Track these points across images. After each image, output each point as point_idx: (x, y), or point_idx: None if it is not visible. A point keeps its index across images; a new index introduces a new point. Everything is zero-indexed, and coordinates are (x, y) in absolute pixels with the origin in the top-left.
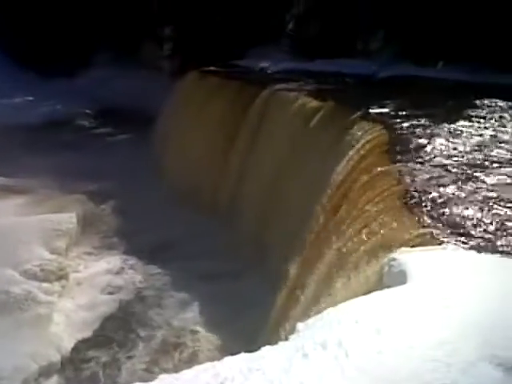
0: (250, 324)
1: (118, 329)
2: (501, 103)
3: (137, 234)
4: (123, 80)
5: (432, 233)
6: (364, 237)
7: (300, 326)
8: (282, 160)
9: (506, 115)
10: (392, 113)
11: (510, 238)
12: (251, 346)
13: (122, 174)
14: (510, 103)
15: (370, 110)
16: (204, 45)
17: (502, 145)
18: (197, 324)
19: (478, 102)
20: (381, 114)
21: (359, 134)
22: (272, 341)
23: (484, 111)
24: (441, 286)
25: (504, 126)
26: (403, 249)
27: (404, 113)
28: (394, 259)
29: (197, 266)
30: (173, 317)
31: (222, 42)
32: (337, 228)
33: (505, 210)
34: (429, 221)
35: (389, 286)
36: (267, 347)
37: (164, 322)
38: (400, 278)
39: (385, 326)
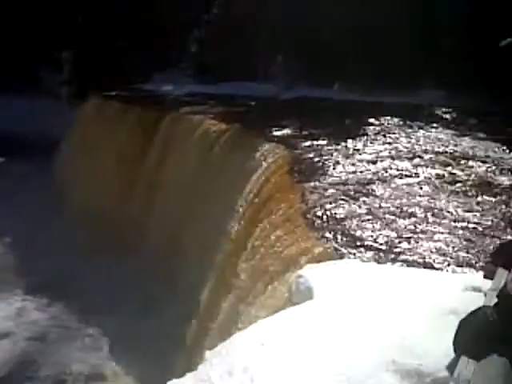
0: (162, 358)
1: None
2: (392, 121)
3: (34, 270)
4: (21, 106)
5: (335, 247)
6: (271, 257)
7: (208, 354)
8: (190, 185)
9: (397, 131)
10: (294, 133)
11: (406, 247)
12: (164, 381)
13: (21, 207)
14: (401, 120)
15: (274, 132)
16: (105, 69)
17: (396, 160)
18: (106, 362)
19: (372, 120)
20: (283, 135)
21: (264, 155)
22: (184, 371)
23: (378, 128)
24: (343, 299)
25: (396, 142)
26: (309, 265)
27: (305, 133)
28: (300, 276)
29: (103, 300)
30: (80, 356)
31: (123, 66)
32: (245, 250)
33: (400, 221)
34: (331, 236)
35: (297, 303)
36: (174, 381)
37: (71, 360)
38: (307, 294)
39: (289, 346)
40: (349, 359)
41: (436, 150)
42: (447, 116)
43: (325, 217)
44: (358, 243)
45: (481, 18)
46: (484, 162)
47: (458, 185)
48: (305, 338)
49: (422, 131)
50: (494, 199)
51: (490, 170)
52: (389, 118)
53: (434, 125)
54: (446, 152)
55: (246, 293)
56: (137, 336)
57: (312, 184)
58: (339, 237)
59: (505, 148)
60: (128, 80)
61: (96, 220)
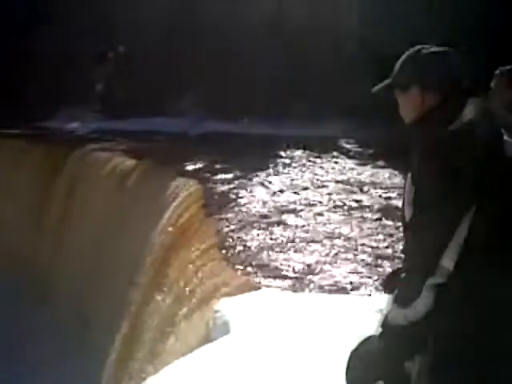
0: None
1: None
2: (300, 152)
3: None
4: None
5: (252, 279)
6: (188, 294)
7: None
8: (101, 224)
9: (305, 162)
10: (206, 167)
11: (320, 274)
12: None
13: None
14: (308, 152)
15: (185, 167)
16: (4, 106)
17: (305, 190)
18: None
19: (281, 152)
20: (195, 169)
21: (176, 190)
22: None
23: (287, 160)
24: (260, 331)
25: (304, 173)
26: (226, 299)
27: (217, 166)
28: (217, 311)
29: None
30: None
31: (24, 102)
32: (161, 288)
33: (313, 248)
34: (248, 267)
35: (214, 340)
36: None
37: None
38: (224, 329)
39: None
40: None
41: (341, 179)
42: (349, 146)
43: (240, 248)
44: (275, 273)
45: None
46: (385, 188)
47: (364, 211)
48: (220, 376)
49: (327, 162)
50: (397, 224)
51: (391, 195)
52: (296, 149)
53: (339, 155)
54: (350, 180)
55: (162, 331)
56: None
57: (226, 216)
58: (256, 268)
59: (403, 174)
60: (30, 117)
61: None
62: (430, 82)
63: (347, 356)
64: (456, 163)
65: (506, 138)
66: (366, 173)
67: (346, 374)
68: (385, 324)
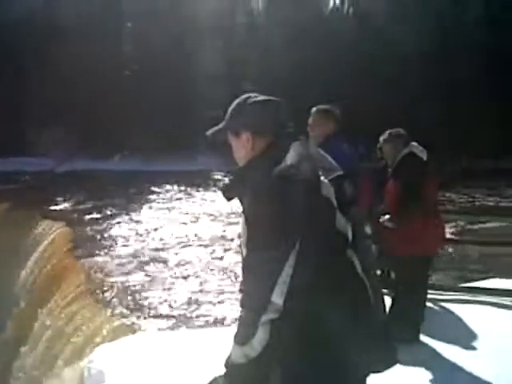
0: None
1: None
2: (174, 187)
3: None
4: None
5: (127, 322)
6: (60, 342)
7: None
8: None
9: (179, 196)
10: (74, 207)
11: (200, 310)
12: None
13: None
14: (182, 186)
15: (52, 207)
16: None
17: (180, 224)
18: None
19: (155, 188)
20: (62, 210)
21: (42, 234)
22: None
23: (161, 195)
24: (135, 376)
25: (179, 207)
26: (101, 346)
27: (87, 206)
28: (91, 361)
29: None
30: None
31: None
32: (31, 337)
33: (192, 284)
34: (123, 311)
35: None
36: None
37: None
38: (99, 378)
39: None
40: None
41: (213, 211)
42: (221, 178)
43: (115, 291)
44: (153, 313)
45: None
46: None
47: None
48: None
49: (200, 195)
50: None
51: None
52: (170, 185)
53: (211, 188)
54: (223, 213)
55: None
56: None
57: (98, 259)
58: (131, 309)
59: None
60: None
61: None
62: (259, 128)
63: None
64: (280, 205)
65: (322, 179)
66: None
67: None
68: (227, 363)
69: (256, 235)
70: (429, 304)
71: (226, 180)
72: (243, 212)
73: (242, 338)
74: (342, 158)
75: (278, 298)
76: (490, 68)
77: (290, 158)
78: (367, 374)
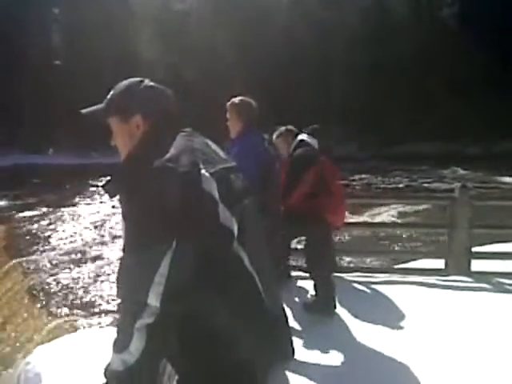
0: None
1: None
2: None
3: None
4: None
5: (68, 320)
6: None
7: None
8: None
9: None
10: (9, 204)
11: None
12: None
13: None
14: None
15: None
16: None
17: (116, 220)
18: None
19: (92, 181)
20: None
21: None
22: None
23: (96, 189)
24: (74, 377)
25: (112, 202)
26: (39, 347)
27: (22, 202)
28: (28, 363)
29: None
30: None
31: None
32: None
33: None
34: (64, 308)
35: None
36: None
37: None
38: (36, 380)
39: None
40: None
41: None
42: None
43: (53, 289)
44: (95, 310)
45: None
46: None
47: None
48: None
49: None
50: None
51: None
52: (107, 178)
53: None
54: None
55: None
56: None
57: (37, 256)
58: (71, 308)
59: None
60: None
61: None
62: (151, 114)
63: None
64: (155, 201)
65: (203, 172)
66: None
67: None
68: (107, 372)
69: (131, 234)
70: (361, 287)
71: (109, 176)
72: (121, 210)
73: (119, 346)
74: (256, 151)
75: (153, 301)
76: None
77: (171, 150)
78: (265, 371)
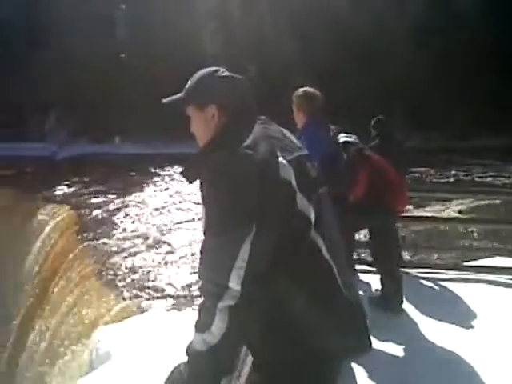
0: None
1: None
2: (174, 170)
3: None
4: None
5: (135, 303)
6: (69, 325)
7: None
8: None
9: (179, 179)
10: (78, 191)
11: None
12: None
13: None
14: (178, 169)
15: (56, 192)
16: None
17: (183, 207)
18: None
19: (156, 170)
20: (67, 194)
21: (47, 217)
22: None
23: (162, 178)
24: (141, 355)
25: (180, 190)
26: (108, 326)
27: (91, 189)
28: (98, 341)
29: None
30: None
31: None
32: (40, 322)
33: (196, 265)
34: (130, 292)
35: (96, 368)
36: None
37: None
38: (105, 357)
39: None
40: None
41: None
42: None
43: (121, 272)
44: (159, 294)
45: None
46: None
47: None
48: None
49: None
50: None
51: None
52: (170, 167)
53: None
54: None
55: (44, 364)
56: None
57: (104, 241)
58: (139, 291)
59: None
60: None
61: None
62: (227, 103)
63: None
64: (235, 187)
65: (281, 159)
66: None
67: None
68: (188, 350)
69: (212, 219)
70: (429, 283)
71: (188, 161)
72: (201, 194)
73: (201, 325)
74: (319, 144)
75: (234, 284)
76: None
77: (249, 138)
78: (341, 360)
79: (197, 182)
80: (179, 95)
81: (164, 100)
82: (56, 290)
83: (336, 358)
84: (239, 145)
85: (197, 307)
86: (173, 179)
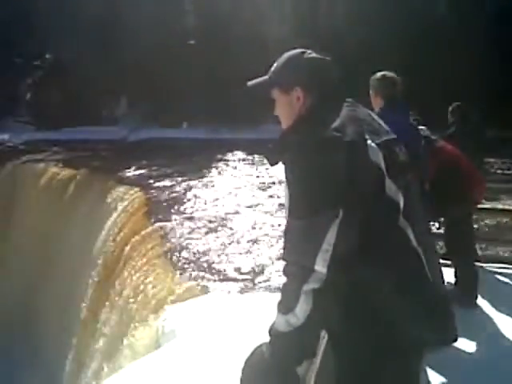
0: None
1: None
2: (238, 155)
3: None
4: None
5: (199, 284)
6: (136, 303)
7: None
8: (44, 235)
9: (244, 165)
10: (147, 174)
11: (267, 275)
12: None
13: None
14: (246, 154)
15: (126, 174)
16: None
17: (247, 192)
18: None
19: (220, 155)
20: (136, 176)
21: (117, 198)
22: None
23: (227, 163)
24: (206, 335)
25: (245, 175)
26: (174, 306)
27: (158, 172)
28: (165, 319)
29: None
30: None
31: None
32: (108, 297)
33: (259, 249)
34: (195, 272)
35: (162, 346)
36: None
37: None
38: (171, 336)
39: None
40: None
41: (281, 180)
42: None
43: (187, 254)
44: (222, 276)
45: None
46: None
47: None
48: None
49: (266, 164)
50: None
51: None
52: (237, 153)
53: None
54: None
55: (113, 342)
56: None
57: (171, 223)
58: (203, 273)
59: None
60: None
61: None
62: (313, 85)
63: (242, 365)
64: (323, 170)
65: (369, 142)
66: None
67: (241, 383)
68: (271, 331)
69: (298, 201)
70: (506, 279)
71: (271, 144)
72: (286, 177)
73: (284, 307)
74: (398, 127)
75: (320, 267)
76: None
77: (338, 119)
78: (424, 350)
79: (268, 166)
80: (264, 78)
81: (249, 83)
82: (123, 271)
83: (421, 348)
84: (325, 127)
85: (260, 291)
86: (237, 164)
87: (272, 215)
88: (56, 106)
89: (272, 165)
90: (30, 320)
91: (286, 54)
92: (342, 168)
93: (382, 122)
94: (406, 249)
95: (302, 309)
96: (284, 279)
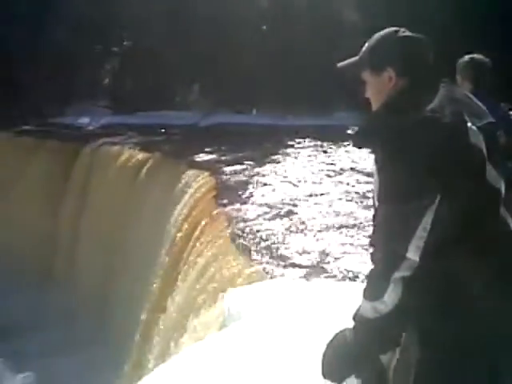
0: None
1: None
2: (309, 142)
3: None
4: None
5: (264, 268)
6: (203, 284)
7: None
8: (117, 215)
9: (314, 152)
10: (216, 159)
11: (333, 262)
12: None
13: None
14: (317, 142)
15: (196, 158)
16: (14, 104)
17: (316, 179)
18: None
19: (291, 142)
20: (206, 160)
21: (188, 182)
22: None
23: (297, 150)
24: (270, 318)
25: (314, 162)
26: (240, 288)
27: (227, 158)
28: (231, 301)
29: (31, 345)
30: None
31: (34, 100)
32: (177, 278)
33: (326, 237)
34: (261, 257)
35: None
36: None
37: None
38: (237, 317)
39: (211, 375)
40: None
41: (352, 167)
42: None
43: (253, 239)
44: (288, 262)
45: None
46: None
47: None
48: (230, 364)
49: (336, 150)
50: None
51: None
52: (306, 139)
53: (347, 144)
54: (362, 169)
55: (179, 321)
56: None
57: (238, 207)
58: (268, 257)
59: None
60: (40, 114)
61: (20, 264)
62: (406, 66)
63: (323, 349)
64: (419, 153)
65: (469, 125)
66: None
67: (322, 366)
68: (356, 316)
69: (391, 186)
70: None
71: (358, 127)
72: (376, 161)
73: (372, 294)
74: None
75: (413, 254)
76: None
77: (434, 101)
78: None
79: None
80: (355, 58)
81: (339, 64)
82: (191, 252)
83: (507, 346)
84: (418, 109)
85: (326, 279)
86: (305, 151)
87: (341, 203)
88: (132, 91)
89: (359, 148)
90: (101, 293)
91: (378, 34)
92: (441, 151)
93: (481, 104)
94: (506, 240)
95: (391, 296)
96: (372, 266)
